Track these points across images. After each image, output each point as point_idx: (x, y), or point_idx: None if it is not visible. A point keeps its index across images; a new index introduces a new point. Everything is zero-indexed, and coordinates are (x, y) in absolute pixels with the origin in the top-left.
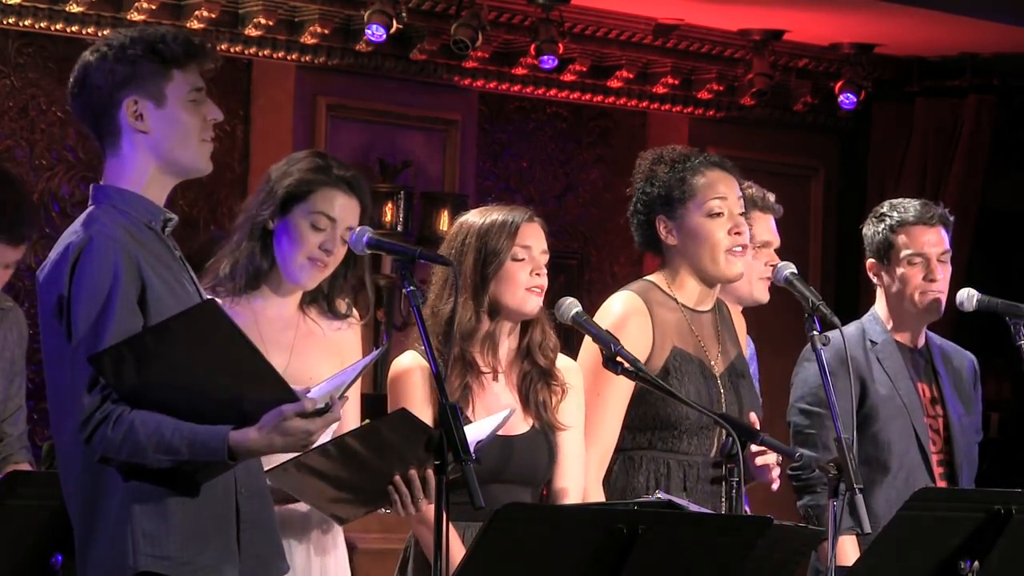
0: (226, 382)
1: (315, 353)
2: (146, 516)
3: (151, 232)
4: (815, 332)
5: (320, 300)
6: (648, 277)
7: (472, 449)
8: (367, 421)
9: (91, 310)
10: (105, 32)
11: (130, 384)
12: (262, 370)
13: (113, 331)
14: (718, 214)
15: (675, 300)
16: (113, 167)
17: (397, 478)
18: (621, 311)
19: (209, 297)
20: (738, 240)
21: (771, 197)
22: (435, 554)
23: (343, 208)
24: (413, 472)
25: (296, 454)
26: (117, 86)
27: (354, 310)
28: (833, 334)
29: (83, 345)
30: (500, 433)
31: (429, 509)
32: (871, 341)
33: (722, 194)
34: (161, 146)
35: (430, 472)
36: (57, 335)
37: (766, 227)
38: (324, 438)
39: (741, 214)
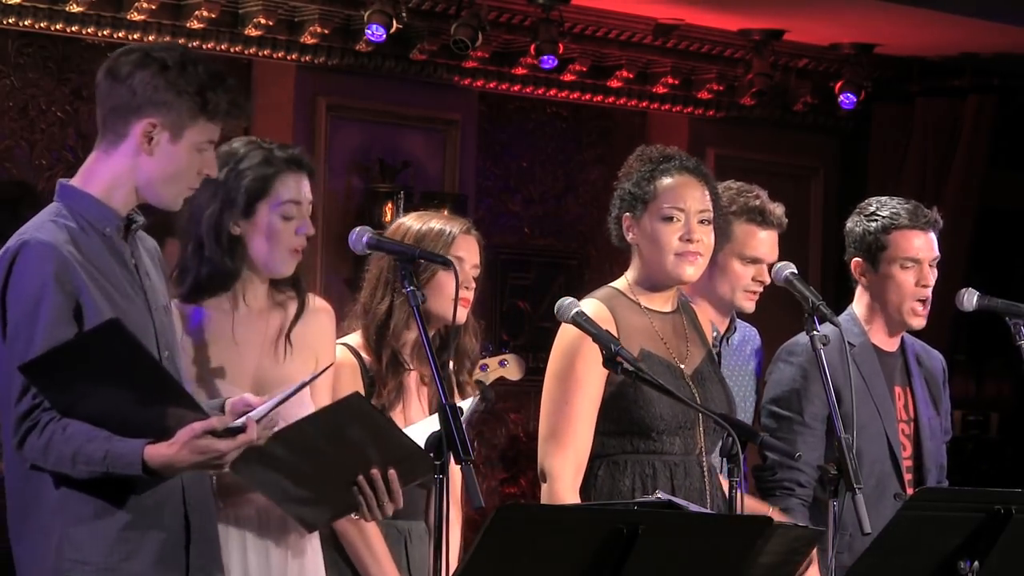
0: (145, 398)
1: (284, 348)
2: (73, 522)
3: (104, 239)
4: (815, 332)
5: (286, 288)
6: (613, 284)
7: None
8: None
9: (23, 319)
10: (104, 32)
11: (58, 394)
12: (172, 388)
13: (43, 339)
14: (670, 219)
15: (639, 304)
16: (94, 165)
17: (361, 478)
18: None
19: (114, 318)
20: (688, 247)
21: (776, 210)
22: (435, 554)
23: (303, 189)
24: (376, 472)
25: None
26: (150, 102)
27: (312, 295)
28: (834, 333)
29: (16, 353)
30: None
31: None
32: (849, 344)
33: (680, 201)
34: (152, 174)
35: (392, 473)
36: None
37: (756, 242)
38: None
39: (705, 222)
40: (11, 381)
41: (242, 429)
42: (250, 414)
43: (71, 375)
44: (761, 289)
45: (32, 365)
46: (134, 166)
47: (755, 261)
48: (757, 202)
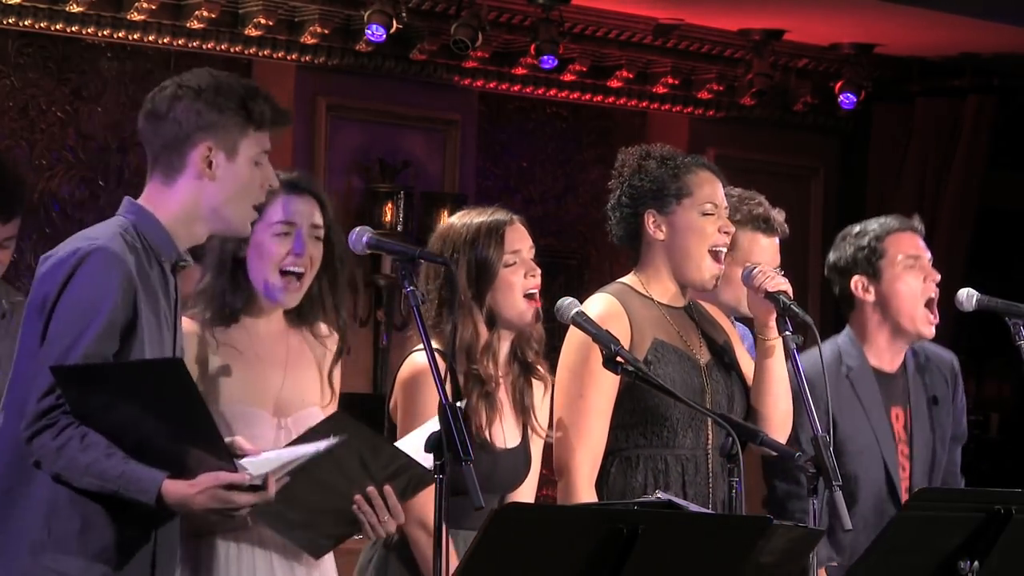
0: (173, 433)
1: (307, 371)
2: (57, 530)
3: (159, 267)
4: (788, 332)
5: (302, 318)
6: (622, 279)
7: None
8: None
9: (74, 323)
10: (104, 32)
11: (83, 403)
12: (211, 436)
13: (87, 348)
14: (710, 214)
15: (651, 299)
16: (158, 195)
17: (359, 497)
18: (597, 313)
19: (178, 357)
20: (724, 239)
21: (778, 217)
22: (435, 554)
23: (299, 210)
24: (372, 490)
25: None
26: (198, 128)
27: (333, 332)
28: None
29: (54, 352)
30: (498, 446)
31: (428, 510)
32: (847, 366)
33: (714, 197)
34: (218, 197)
35: (389, 489)
36: (33, 330)
37: (762, 250)
38: None
39: (727, 219)
40: (37, 377)
41: (263, 487)
42: (265, 466)
43: (103, 391)
44: None
45: (67, 370)
46: (198, 195)
47: None
48: (760, 209)
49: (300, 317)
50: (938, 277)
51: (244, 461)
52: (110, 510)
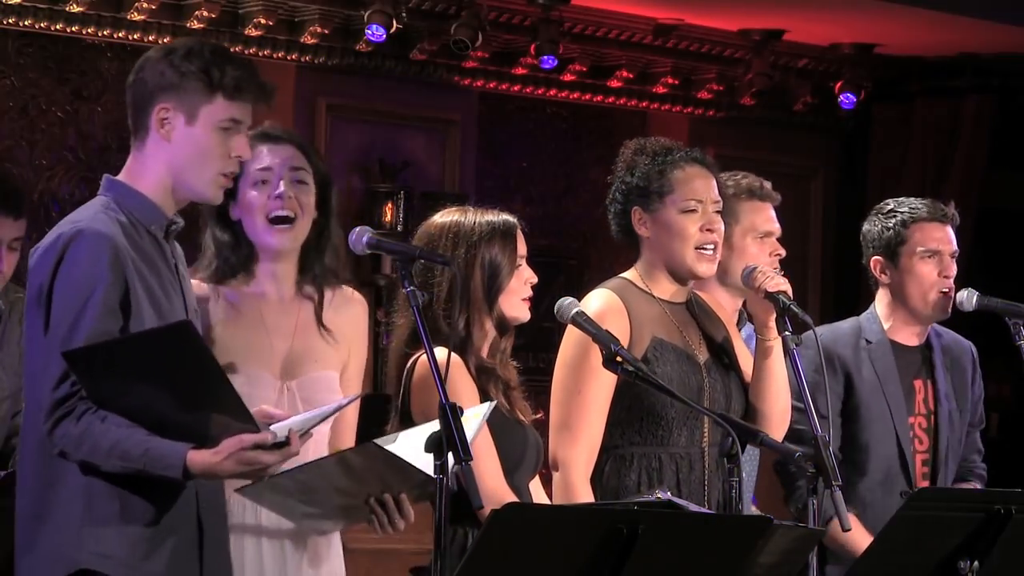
0: (192, 402)
1: (317, 336)
2: (97, 514)
3: (150, 236)
4: (787, 332)
5: (309, 275)
6: (623, 275)
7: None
8: (336, 451)
9: (71, 306)
10: (105, 32)
11: (99, 386)
12: (228, 397)
13: (90, 330)
14: (692, 211)
15: (652, 294)
16: (134, 164)
17: (372, 500)
18: (598, 309)
19: (186, 319)
20: (709, 237)
21: (767, 185)
22: (434, 554)
23: (274, 154)
24: (388, 496)
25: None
26: (159, 88)
27: (345, 287)
28: (818, 332)
29: (58, 339)
30: (525, 420)
31: (503, 490)
32: (866, 340)
33: (698, 193)
34: (176, 161)
35: (403, 496)
36: (37, 321)
37: (765, 216)
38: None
39: (718, 212)
40: (47, 367)
41: (287, 443)
42: (290, 426)
43: (117, 369)
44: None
45: (77, 353)
46: (161, 157)
47: (768, 234)
48: (748, 179)
49: (305, 273)
50: (953, 272)
51: (273, 427)
52: (149, 488)
